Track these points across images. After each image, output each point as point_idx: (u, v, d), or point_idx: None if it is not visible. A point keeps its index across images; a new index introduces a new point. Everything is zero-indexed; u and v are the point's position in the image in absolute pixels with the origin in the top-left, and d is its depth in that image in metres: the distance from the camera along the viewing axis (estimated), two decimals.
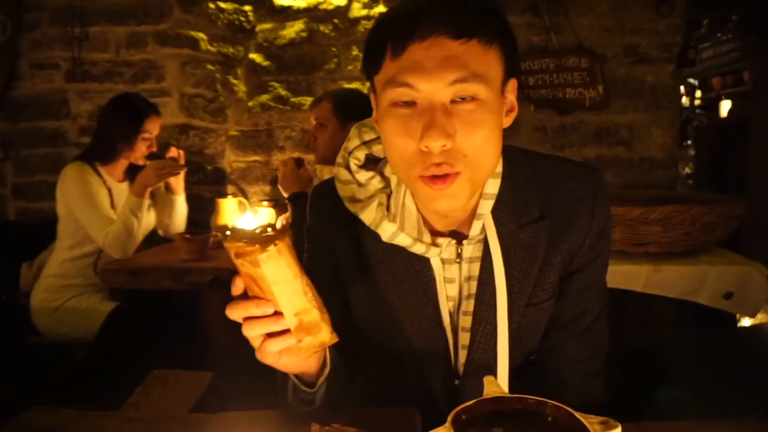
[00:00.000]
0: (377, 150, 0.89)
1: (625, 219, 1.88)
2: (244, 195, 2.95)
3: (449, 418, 0.59)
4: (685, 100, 5.87)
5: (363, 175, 0.88)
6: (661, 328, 2.28)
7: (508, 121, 0.81)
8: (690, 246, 1.92)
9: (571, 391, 0.89)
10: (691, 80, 5.99)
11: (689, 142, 5.61)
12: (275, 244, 0.64)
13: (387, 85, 0.75)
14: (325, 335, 0.70)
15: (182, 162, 2.39)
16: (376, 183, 0.87)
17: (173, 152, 2.38)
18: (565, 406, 0.61)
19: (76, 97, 2.92)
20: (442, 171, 0.73)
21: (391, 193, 0.86)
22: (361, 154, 0.88)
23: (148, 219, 2.25)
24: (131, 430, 0.78)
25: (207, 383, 1.00)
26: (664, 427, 0.79)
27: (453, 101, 0.73)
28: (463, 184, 0.75)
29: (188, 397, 0.93)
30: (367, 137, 0.89)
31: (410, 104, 0.74)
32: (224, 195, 2.74)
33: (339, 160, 0.90)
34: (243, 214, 2.48)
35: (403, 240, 0.83)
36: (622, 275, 1.89)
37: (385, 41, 0.75)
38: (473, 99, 0.73)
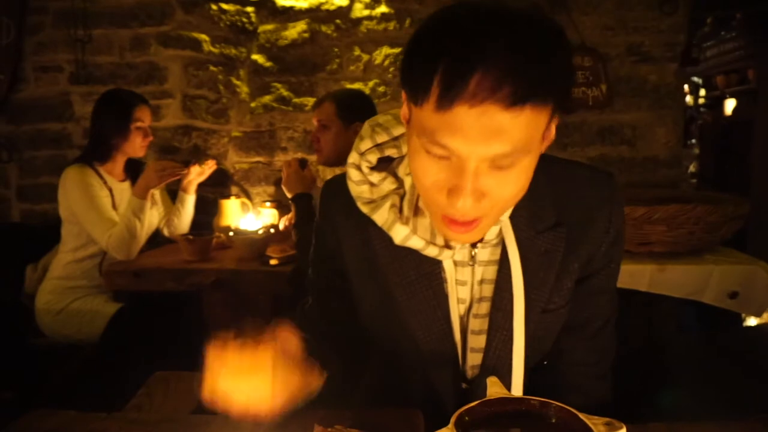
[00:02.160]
0: (390, 153, 0.86)
1: (629, 218, 1.87)
2: (247, 196, 2.95)
3: (452, 420, 0.59)
4: (689, 98, 5.85)
5: (375, 177, 0.85)
6: (666, 327, 2.27)
7: (543, 148, 0.75)
8: (694, 245, 1.91)
9: (576, 394, 0.88)
10: (695, 79, 5.97)
11: (693, 141, 5.60)
12: None
13: (423, 134, 0.68)
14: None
15: (208, 165, 2.43)
16: (389, 184, 0.85)
17: (210, 164, 2.42)
18: (568, 407, 0.60)
19: (79, 99, 2.93)
20: (467, 218, 0.71)
21: (404, 194, 0.85)
22: (373, 158, 0.85)
23: (151, 219, 2.26)
24: (133, 431, 0.77)
25: None
26: (668, 428, 0.78)
27: (490, 165, 0.68)
28: (485, 227, 0.75)
29: (191, 399, 0.93)
30: (380, 139, 0.85)
31: (444, 157, 0.69)
32: (227, 196, 2.75)
33: (350, 160, 0.87)
34: (245, 215, 2.48)
35: (415, 243, 0.82)
36: (626, 275, 1.88)
37: (431, 77, 0.64)
38: (511, 165, 0.68)
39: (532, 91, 0.63)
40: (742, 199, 2.00)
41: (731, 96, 5.16)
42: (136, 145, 2.23)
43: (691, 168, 5.35)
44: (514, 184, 0.70)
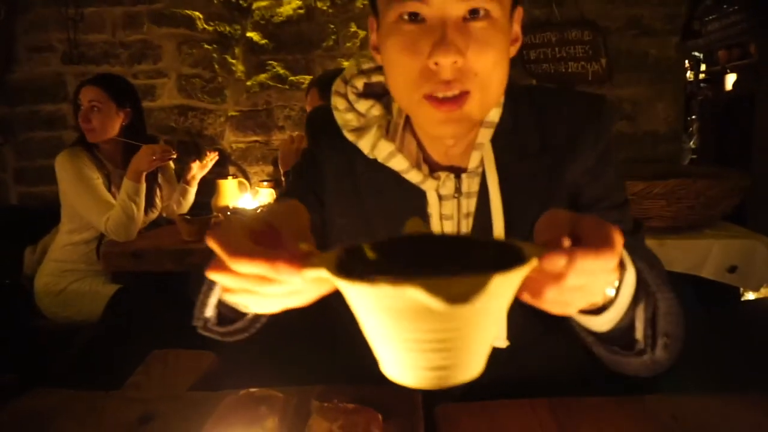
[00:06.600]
0: (376, 79, 0.85)
1: (628, 193, 1.86)
2: (245, 176, 2.93)
3: (334, 253, 0.45)
4: (689, 74, 5.80)
5: (362, 105, 0.84)
6: None
7: (513, 51, 0.77)
8: (694, 220, 1.91)
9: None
10: (696, 54, 5.91)
11: (693, 116, 5.56)
12: None
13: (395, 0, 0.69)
14: None
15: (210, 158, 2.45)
16: (376, 111, 0.83)
17: (212, 156, 2.45)
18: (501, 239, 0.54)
19: (73, 79, 2.89)
20: (453, 90, 0.69)
21: (391, 119, 0.83)
22: (359, 83, 0.84)
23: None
24: (132, 409, 0.77)
25: (208, 363, 0.99)
26: (668, 401, 0.78)
27: (465, 18, 0.68)
28: (473, 106, 0.71)
29: (189, 377, 0.93)
30: (366, 66, 0.85)
31: (418, 20, 0.69)
32: (225, 176, 2.73)
33: (335, 88, 0.85)
34: (243, 194, 2.47)
35: (398, 163, 0.80)
36: None
37: None
38: (486, 16, 0.69)
39: None
40: (742, 174, 1.99)
41: (732, 71, 5.12)
42: (81, 125, 2.15)
43: (692, 144, 5.32)
44: (491, 48, 0.69)
